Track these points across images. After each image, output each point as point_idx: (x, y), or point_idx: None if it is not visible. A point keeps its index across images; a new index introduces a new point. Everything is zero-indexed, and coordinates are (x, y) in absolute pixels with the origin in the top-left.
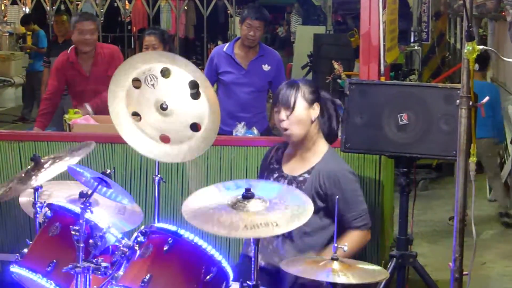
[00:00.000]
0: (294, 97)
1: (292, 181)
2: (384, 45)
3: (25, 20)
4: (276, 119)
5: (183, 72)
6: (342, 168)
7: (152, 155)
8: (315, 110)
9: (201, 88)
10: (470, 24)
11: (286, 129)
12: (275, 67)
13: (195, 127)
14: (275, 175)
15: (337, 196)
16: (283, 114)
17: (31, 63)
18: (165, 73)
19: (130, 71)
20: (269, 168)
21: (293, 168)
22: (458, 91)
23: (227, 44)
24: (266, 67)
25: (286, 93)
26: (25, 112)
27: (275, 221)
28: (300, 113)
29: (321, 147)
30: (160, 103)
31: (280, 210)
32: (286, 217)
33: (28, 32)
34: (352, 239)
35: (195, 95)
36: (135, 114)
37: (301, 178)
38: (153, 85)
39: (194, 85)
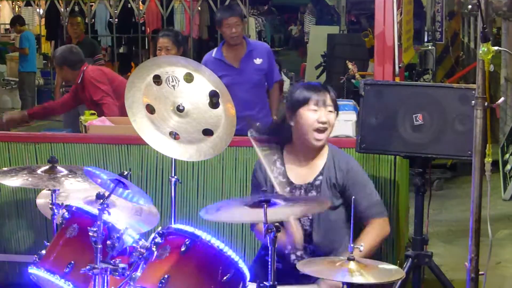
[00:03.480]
0: (333, 102)
1: (309, 188)
2: (399, 45)
3: (12, 22)
4: (312, 119)
5: (206, 81)
6: (350, 159)
7: (158, 148)
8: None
9: (221, 100)
10: (485, 25)
11: (323, 132)
12: (266, 59)
13: (207, 132)
14: (287, 189)
15: (353, 197)
16: (324, 115)
17: (18, 64)
18: (187, 78)
19: (153, 68)
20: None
21: (303, 176)
22: (473, 92)
23: (215, 50)
24: (258, 61)
25: (328, 94)
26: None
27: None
28: (334, 120)
29: (325, 148)
30: (177, 104)
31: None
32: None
33: (17, 34)
34: (371, 229)
35: (214, 105)
36: (150, 107)
37: (317, 182)
38: (173, 86)
39: (214, 95)
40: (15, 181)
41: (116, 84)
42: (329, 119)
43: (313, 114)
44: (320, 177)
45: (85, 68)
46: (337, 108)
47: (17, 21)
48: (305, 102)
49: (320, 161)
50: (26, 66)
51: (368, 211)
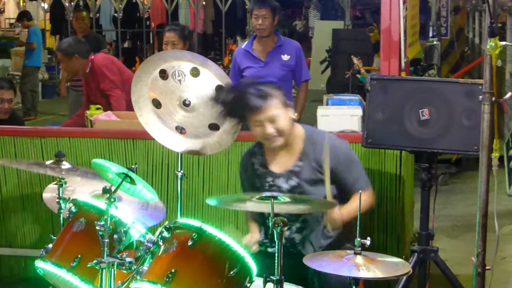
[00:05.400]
0: (272, 107)
1: (290, 176)
2: (405, 40)
3: (19, 17)
4: (260, 132)
5: (212, 76)
6: (330, 137)
7: (164, 142)
8: (291, 110)
9: None
10: (492, 20)
11: (274, 139)
12: (294, 56)
13: (214, 127)
14: (269, 179)
15: (360, 191)
16: (269, 127)
17: (24, 58)
18: (194, 72)
19: (159, 63)
20: (257, 175)
21: (282, 164)
22: (480, 87)
23: (246, 42)
24: (285, 57)
25: (264, 107)
26: (24, 108)
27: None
28: (284, 122)
29: (298, 131)
30: (183, 98)
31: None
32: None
33: (24, 29)
34: (351, 201)
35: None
36: (156, 101)
37: (297, 169)
38: (180, 80)
39: (220, 90)
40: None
41: (126, 76)
42: (278, 128)
43: (259, 129)
44: (300, 163)
45: (92, 57)
46: (287, 104)
47: (24, 16)
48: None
49: (297, 145)
50: (32, 61)
51: (353, 187)
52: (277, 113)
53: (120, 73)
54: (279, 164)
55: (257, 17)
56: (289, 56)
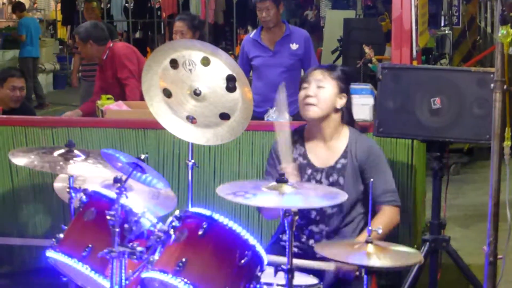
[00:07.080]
0: (329, 78)
1: (331, 172)
2: (416, 29)
3: (13, 8)
4: (302, 95)
5: (222, 65)
6: (373, 143)
7: (175, 132)
8: (342, 100)
9: (238, 83)
10: (504, 8)
11: (310, 104)
12: (303, 45)
13: (224, 116)
14: (309, 171)
15: (371, 180)
16: (312, 89)
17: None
18: (204, 62)
19: (169, 52)
20: (296, 165)
21: (324, 159)
22: (491, 75)
23: (254, 31)
24: (294, 46)
25: (322, 72)
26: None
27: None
28: (328, 95)
29: (344, 131)
30: (194, 88)
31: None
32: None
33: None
34: (382, 215)
35: (231, 89)
36: (167, 91)
37: (339, 166)
38: (190, 70)
39: (231, 79)
40: (25, 160)
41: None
42: (317, 94)
43: (303, 91)
44: (342, 160)
45: (111, 44)
46: (342, 90)
47: (17, 7)
48: (300, 84)
49: (341, 144)
50: (22, 52)
51: (382, 197)
52: (327, 86)
53: (138, 62)
54: (320, 159)
55: (260, 10)
56: (297, 45)
